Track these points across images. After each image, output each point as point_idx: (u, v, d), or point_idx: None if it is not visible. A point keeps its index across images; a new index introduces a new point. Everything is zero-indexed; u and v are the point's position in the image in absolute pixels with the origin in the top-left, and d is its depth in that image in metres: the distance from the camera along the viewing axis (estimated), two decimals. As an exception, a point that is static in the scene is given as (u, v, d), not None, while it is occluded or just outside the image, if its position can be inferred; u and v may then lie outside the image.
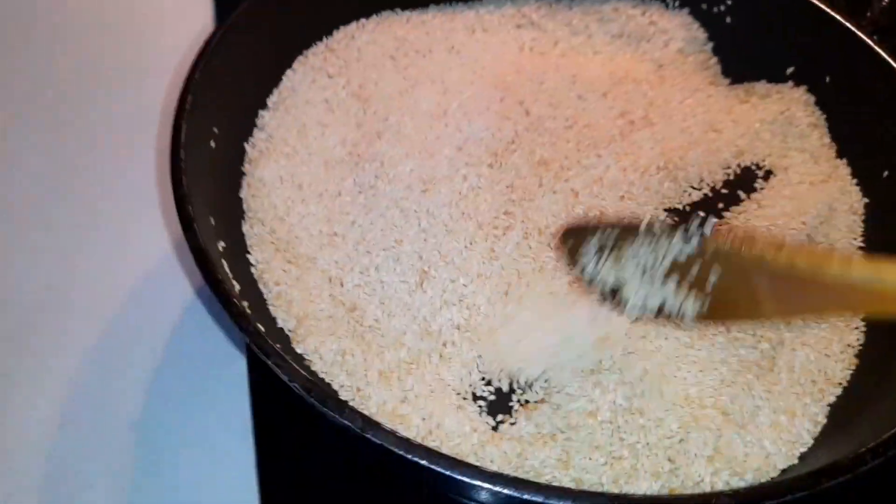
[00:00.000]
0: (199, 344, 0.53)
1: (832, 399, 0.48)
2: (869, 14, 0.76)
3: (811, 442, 0.45)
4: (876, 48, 0.56)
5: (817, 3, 0.59)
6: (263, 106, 0.57)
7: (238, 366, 0.51)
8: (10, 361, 0.52)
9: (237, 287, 0.44)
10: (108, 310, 0.55)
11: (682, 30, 0.65)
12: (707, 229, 0.39)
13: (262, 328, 0.41)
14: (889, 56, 0.56)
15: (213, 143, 0.50)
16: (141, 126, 0.62)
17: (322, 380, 0.45)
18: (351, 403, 0.44)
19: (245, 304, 0.42)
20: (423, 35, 0.64)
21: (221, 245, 0.46)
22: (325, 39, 0.61)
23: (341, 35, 0.62)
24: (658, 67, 0.64)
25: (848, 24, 0.58)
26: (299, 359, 0.46)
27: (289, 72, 0.59)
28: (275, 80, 0.58)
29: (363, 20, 0.63)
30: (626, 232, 0.42)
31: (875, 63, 0.56)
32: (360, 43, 0.62)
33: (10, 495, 0.48)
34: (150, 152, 0.61)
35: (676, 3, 0.66)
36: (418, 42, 0.63)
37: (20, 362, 0.52)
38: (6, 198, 0.59)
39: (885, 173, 0.56)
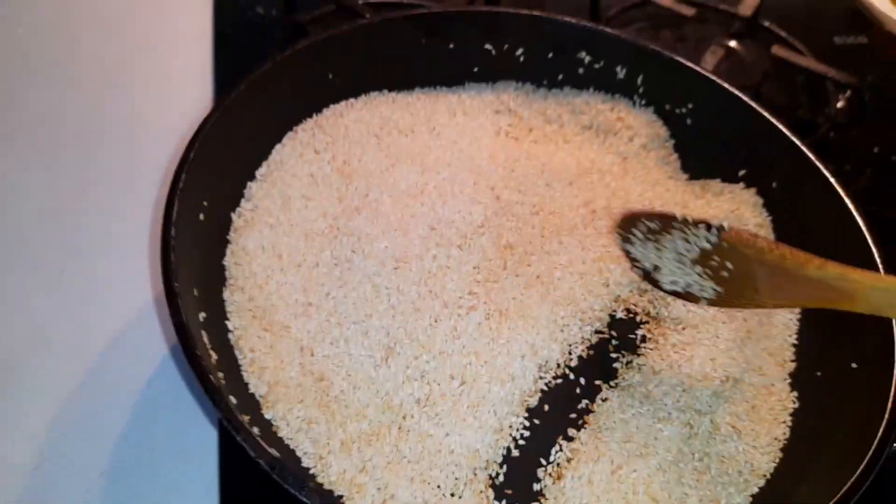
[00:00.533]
0: (173, 396, 0.56)
1: (755, 490, 0.52)
2: (826, 111, 0.82)
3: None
4: (817, 164, 0.61)
5: (767, 116, 0.64)
6: (252, 177, 0.61)
7: (209, 422, 0.55)
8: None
9: (214, 357, 0.48)
10: (88, 355, 0.58)
11: (646, 127, 0.70)
12: (725, 225, 0.50)
13: (234, 399, 0.45)
14: (829, 173, 0.61)
15: (202, 216, 0.54)
16: (141, 179, 0.66)
17: (287, 446, 0.49)
18: (312, 471, 0.48)
19: (220, 374, 0.46)
20: (407, 115, 0.68)
21: (202, 315, 0.50)
22: (314, 116, 0.66)
23: (330, 112, 0.66)
24: (622, 160, 0.69)
25: (793, 138, 0.63)
26: (268, 425, 0.50)
27: (278, 146, 0.63)
28: (264, 153, 0.62)
29: (352, 99, 0.68)
30: (667, 222, 0.52)
31: (816, 177, 0.61)
32: (347, 121, 0.66)
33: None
34: (146, 206, 0.65)
35: (643, 102, 0.71)
36: (402, 122, 0.68)
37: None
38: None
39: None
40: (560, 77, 0.72)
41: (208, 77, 0.75)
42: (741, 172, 0.67)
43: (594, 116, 0.71)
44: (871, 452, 0.47)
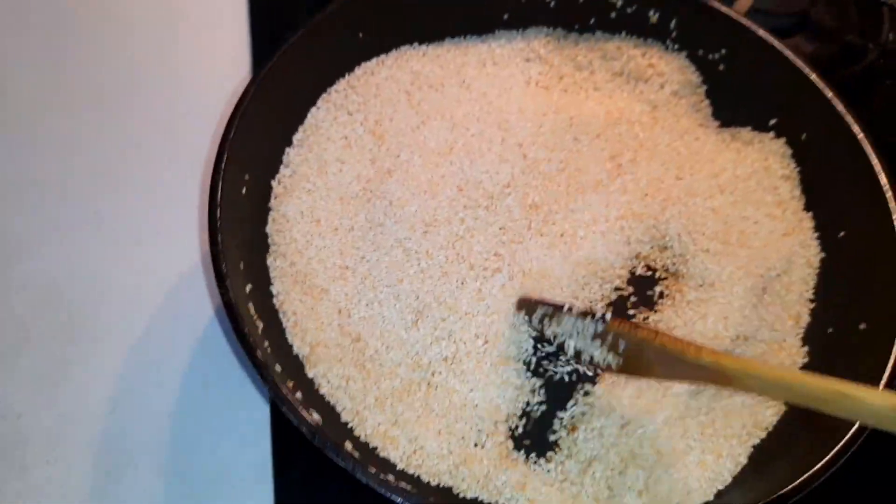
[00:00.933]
0: (228, 343, 0.63)
1: (756, 441, 0.56)
2: (878, 37, 0.80)
3: (729, 480, 0.54)
4: (848, 120, 0.61)
5: (800, 65, 0.63)
6: (289, 143, 0.64)
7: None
8: (64, 351, 0.63)
9: (260, 325, 0.54)
10: (148, 306, 0.65)
11: (678, 73, 0.70)
12: (607, 317, 0.54)
13: (279, 367, 0.51)
14: (857, 123, 0.60)
15: (244, 190, 0.58)
16: (187, 142, 0.70)
17: (328, 403, 0.55)
18: (350, 424, 0.54)
19: (266, 344, 0.52)
20: (437, 69, 0.70)
21: (249, 287, 0.55)
22: (346, 76, 0.67)
23: (361, 71, 0.68)
24: (652, 108, 0.69)
25: (826, 91, 0.62)
26: (310, 384, 0.56)
27: (313, 109, 0.66)
28: (300, 118, 0.65)
29: (383, 56, 0.69)
30: (558, 310, 0.57)
31: (845, 134, 0.61)
32: (378, 79, 0.68)
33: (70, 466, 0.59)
34: (195, 164, 0.69)
35: (675, 47, 0.70)
36: (432, 76, 0.69)
37: (73, 351, 0.62)
38: (65, 193, 0.69)
39: (842, 233, 0.62)
40: (592, 21, 0.71)
41: (245, 34, 0.76)
42: (772, 122, 0.67)
43: (625, 63, 0.71)
44: (864, 417, 0.50)
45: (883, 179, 0.58)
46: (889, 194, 0.57)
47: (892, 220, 0.57)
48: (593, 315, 0.55)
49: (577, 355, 0.56)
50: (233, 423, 0.60)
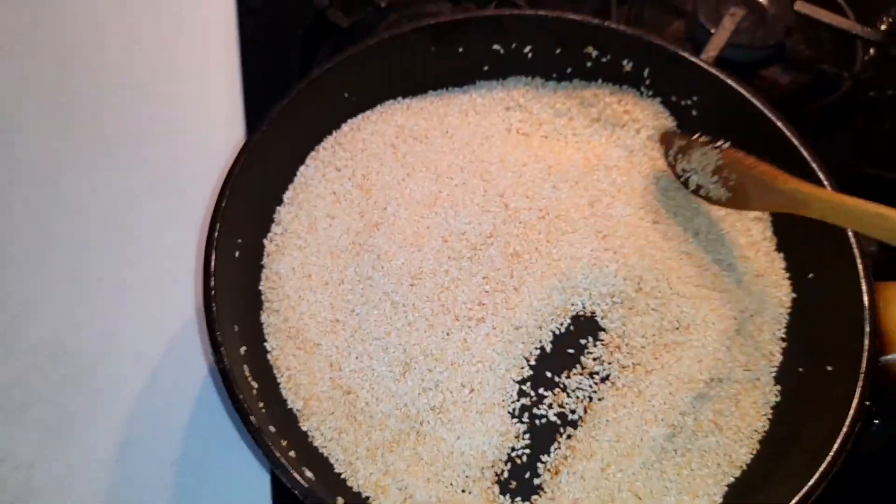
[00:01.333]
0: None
1: (731, 480, 0.59)
2: (851, 66, 0.83)
3: (719, 506, 0.57)
4: (813, 164, 0.63)
5: (768, 114, 0.66)
6: (280, 202, 0.67)
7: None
8: (73, 402, 0.66)
9: (255, 386, 0.57)
10: (150, 357, 0.68)
11: (652, 119, 0.72)
12: (724, 147, 0.64)
13: (273, 427, 0.54)
14: (821, 171, 0.63)
15: (237, 253, 0.61)
16: (185, 216, 0.74)
17: (321, 455, 0.58)
18: (343, 475, 0.58)
19: (261, 405, 0.55)
20: (421, 121, 0.72)
21: (244, 349, 0.58)
22: (333, 133, 0.70)
23: (348, 128, 0.71)
24: (629, 154, 0.72)
25: (791, 137, 0.65)
26: (304, 436, 0.59)
27: (302, 167, 0.69)
28: (290, 177, 0.68)
29: (368, 112, 0.72)
30: (691, 140, 0.67)
31: (810, 176, 0.63)
32: (364, 134, 0.71)
33: None
34: (195, 224, 0.73)
35: (650, 93, 0.72)
36: (416, 129, 0.72)
37: (79, 404, 0.66)
38: (66, 254, 0.72)
39: (811, 275, 0.64)
40: (569, 70, 0.74)
41: (238, 95, 0.80)
42: (744, 165, 0.69)
43: (602, 109, 0.73)
44: (828, 458, 0.53)
45: (855, 249, 0.60)
46: (853, 240, 0.60)
47: (856, 266, 0.59)
48: (715, 143, 0.64)
49: (697, 189, 0.67)
50: (235, 469, 0.63)
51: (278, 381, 0.61)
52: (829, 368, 0.59)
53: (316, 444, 0.59)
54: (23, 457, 0.64)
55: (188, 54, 0.84)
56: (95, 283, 0.71)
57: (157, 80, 0.83)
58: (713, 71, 0.68)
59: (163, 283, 0.71)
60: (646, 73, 0.72)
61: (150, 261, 0.72)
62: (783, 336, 0.64)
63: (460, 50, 0.72)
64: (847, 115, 0.85)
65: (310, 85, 0.66)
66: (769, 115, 0.66)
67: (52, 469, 0.64)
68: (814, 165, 0.64)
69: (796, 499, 0.53)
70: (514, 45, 0.72)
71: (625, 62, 0.72)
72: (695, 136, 0.66)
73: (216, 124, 0.79)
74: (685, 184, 0.68)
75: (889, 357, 0.58)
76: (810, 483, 0.53)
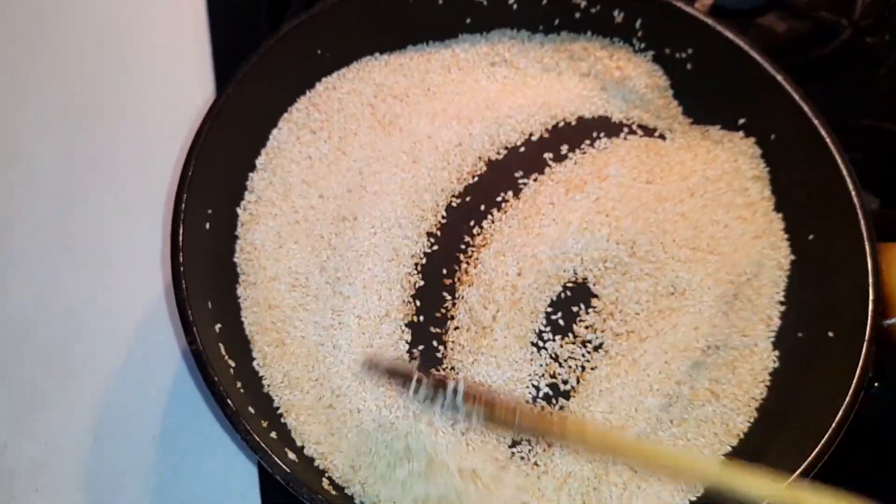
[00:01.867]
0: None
1: (727, 449, 0.57)
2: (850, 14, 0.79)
3: (702, 491, 0.55)
4: (811, 116, 0.60)
5: (764, 64, 0.62)
6: (252, 168, 0.63)
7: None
8: (45, 380, 0.63)
9: (232, 365, 0.54)
10: (125, 331, 0.65)
11: (645, 77, 0.68)
12: (459, 398, 0.49)
13: (252, 409, 0.52)
14: (823, 128, 0.60)
15: (207, 225, 0.58)
16: (150, 165, 0.69)
17: (294, 442, 0.55)
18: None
19: (238, 385, 0.52)
20: (400, 78, 0.68)
21: (218, 326, 0.55)
22: (308, 93, 0.66)
23: (323, 87, 0.67)
24: (621, 111, 0.68)
25: (791, 91, 0.61)
26: (279, 416, 0.56)
27: (274, 131, 0.65)
28: (262, 141, 0.64)
29: (344, 69, 0.68)
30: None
31: (811, 135, 0.60)
32: (340, 94, 0.67)
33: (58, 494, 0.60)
34: (162, 193, 0.69)
35: (642, 45, 0.69)
36: (396, 86, 0.68)
37: (51, 382, 0.63)
38: (33, 227, 0.68)
39: (811, 236, 0.62)
40: (556, 22, 0.70)
41: (207, 55, 0.75)
42: (741, 121, 0.66)
43: (592, 64, 0.69)
44: (830, 429, 0.51)
45: (851, 187, 0.58)
46: (856, 200, 0.57)
47: (859, 227, 0.57)
48: (444, 391, 0.49)
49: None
50: (218, 443, 0.61)
51: (254, 356, 0.58)
52: (830, 334, 0.57)
53: (290, 427, 0.56)
54: (-5, 436, 0.61)
55: (152, 9, 0.79)
56: (64, 254, 0.67)
57: (120, 38, 0.77)
58: (707, 21, 0.65)
59: (134, 256, 0.67)
60: (637, 24, 0.68)
61: (119, 234, 0.68)
62: (782, 300, 0.62)
63: (440, 1, 0.68)
64: (847, 65, 0.82)
65: (280, 41, 0.61)
66: (766, 66, 0.62)
67: (26, 449, 0.61)
68: (815, 121, 0.60)
69: (796, 473, 0.51)
70: (497, -5, 0.68)
71: (616, 13, 0.68)
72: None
73: (184, 86, 0.74)
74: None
75: (892, 321, 0.56)
76: (811, 457, 0.51)
